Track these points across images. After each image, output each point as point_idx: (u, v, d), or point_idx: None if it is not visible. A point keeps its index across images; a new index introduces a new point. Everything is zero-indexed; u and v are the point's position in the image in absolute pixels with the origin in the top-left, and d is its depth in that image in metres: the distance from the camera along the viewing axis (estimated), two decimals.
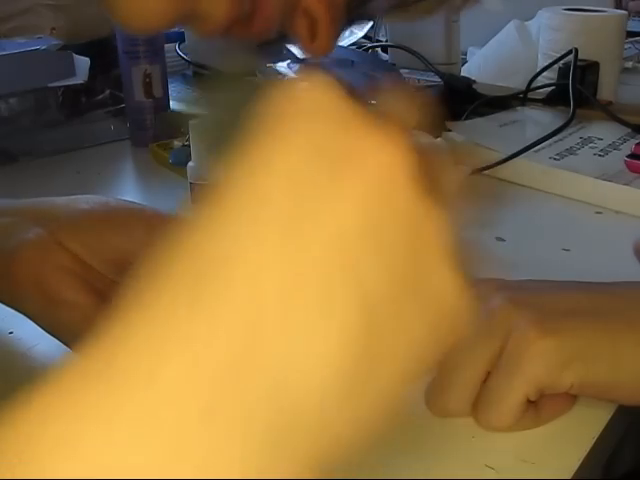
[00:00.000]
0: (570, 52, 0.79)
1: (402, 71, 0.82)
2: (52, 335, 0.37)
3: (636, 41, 1.11)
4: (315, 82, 0.20)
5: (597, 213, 0.60)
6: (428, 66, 0.88)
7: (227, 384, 0.16)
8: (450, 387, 0.35)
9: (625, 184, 0.60)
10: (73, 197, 0.41)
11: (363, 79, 0.74)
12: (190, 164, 0.58)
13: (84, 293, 0.36)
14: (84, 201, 0.40)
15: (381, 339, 0.18)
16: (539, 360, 0.32)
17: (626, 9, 0.98)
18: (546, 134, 0.66)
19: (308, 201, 0.18)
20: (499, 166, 0.65)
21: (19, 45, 0.73)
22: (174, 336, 0.16)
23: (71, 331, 0.36)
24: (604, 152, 0.68)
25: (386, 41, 1.02)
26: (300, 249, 0.17)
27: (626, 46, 0.99)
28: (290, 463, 0.17)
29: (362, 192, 0.18)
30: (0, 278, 0.37)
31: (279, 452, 0.16)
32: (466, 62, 0.99)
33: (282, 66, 0.79)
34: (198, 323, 0.16)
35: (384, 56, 1.03)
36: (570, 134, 0.72)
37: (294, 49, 0.83)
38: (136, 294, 0.17)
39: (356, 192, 0.18)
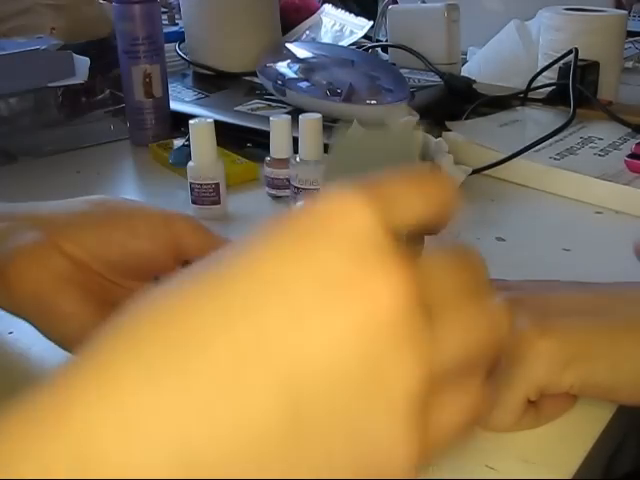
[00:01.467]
0: (570, 52, 0.79)
1: (402, 71, 0.82)
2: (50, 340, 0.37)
3: (636, 41, 1.11)
4: (353, 202, 0.20)
5: (597, 213, 0.60)
6: (428, 66, 0.88)
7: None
8: None
9: (625, 184, 0.60)
10: (70, 200, 0.40)
11: (363, 79, 0.74)
12: (190, 164, 0.58)
13: (82, 303, 0.36)
14: (81, 202, 0.40)
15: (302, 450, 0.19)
16: (539, 360, 0.32)
17: (629, 7, 0.98)
18: (546, 134, 0.66)
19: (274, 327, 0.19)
20: (499, 166, 0.65)
21: (19, 45, 0.73)
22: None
23: (68, 341, 0.36)
24: (604, 152, 0.68)
25: (386, 41, 1.03)
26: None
27: (626, 46, 0.99)
28: None
29: (335, 333, 0.19)
30: None
31: None
32: (466, 62, 0.99)
33: (282, 66, 0.79)
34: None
35: (384, 56, 1.03)
36: (570, 134, 0.72)
37: (294, 49, 0.83)
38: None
39: (331, 330, 0.19)
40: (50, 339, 0.37)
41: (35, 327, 0.37)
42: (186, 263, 0.37)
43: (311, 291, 0.19)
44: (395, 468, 0.20)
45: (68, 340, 0.36)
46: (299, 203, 0.21)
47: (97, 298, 0.36)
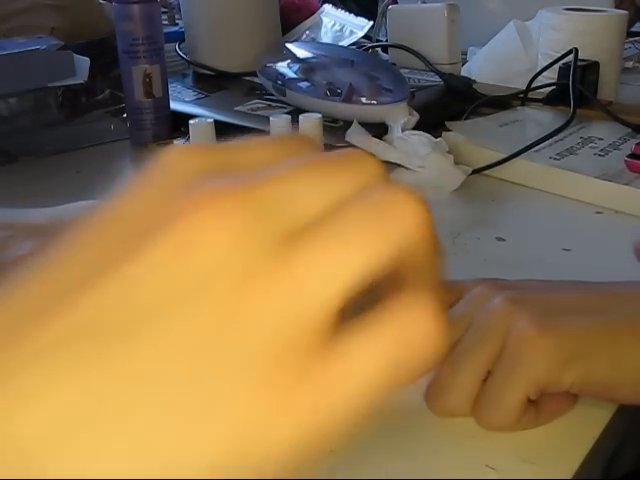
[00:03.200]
0: (570, 52, 0.79)
1: (402, 71, 0.82)
2: None
3: (636, 41, 1.11)
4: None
5: (597, 213, 0.60)
6: (428, 66, 0.88)
7: None
8: (450, 387, 0.35)
9: (625, 184, 0.60)
10: (66, 206, 0.40)
11: (363, 79, 0.74)
12: None
13: None
14: (78, 209, 0.40)
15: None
16: (539, 359, 0.32)
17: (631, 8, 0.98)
18: (546, 134, 0.66)
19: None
20: (499, 166, 0.65)
21: (19, 45, 0.73)
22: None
23: None
24: (604, 152, 0.68)
25: (386, 41, 1.03)
26: None
27: (626, 46, 0.99)
28: None
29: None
30: None
31: None
32: (466, 62, 0.99)
33: (282, 66, 0.79)
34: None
35: (384, 56, 1.03)
36: (570, 134, 0.72)
37: (294, 49, 0.83)
38: None
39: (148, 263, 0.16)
40: None
41: None
42: None
43: (115, 237, 0.16)
44: (278, 418, 0.15)
45: None
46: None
47: None
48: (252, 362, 0.15)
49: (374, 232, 0.16)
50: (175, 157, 0.18)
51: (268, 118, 0.62)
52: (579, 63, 0.79)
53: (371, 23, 1.10)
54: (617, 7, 0.94)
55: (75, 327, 0.15)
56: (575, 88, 0.75)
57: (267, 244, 0.16)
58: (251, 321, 0.15)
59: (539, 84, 0.83)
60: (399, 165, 0.66)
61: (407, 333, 0.16)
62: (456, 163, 0.64)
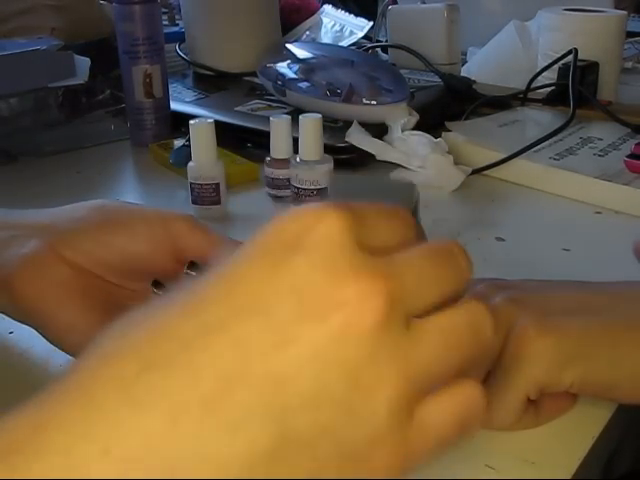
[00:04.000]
0: (570, 52, 0.79)
1: (402, 71, 0.82)
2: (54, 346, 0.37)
3: (636, 41, 1.11)
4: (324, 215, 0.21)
5: (597, 213, 0.60)
6: (428, 66, 0.88)
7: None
8: None
9: (625, 184, 0.60)
10: (69, 206, 0.41)
11: (363, 79, 0.74)
12: (190, 164, 0.58)
13: (84, 311, 0.36)
14: (80, 207, 0.40)
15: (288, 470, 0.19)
16: (539, 359, 0.32)
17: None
18: (546, 134, 0.66)
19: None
20: (499, 166, 0.65)
21: (19, 45, 0.73)
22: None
23: (71, 348, 0.36)
24: (604, 152, 0.68)
25: (386, 41, 1.03)
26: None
27: (626, 46, 0.99)
28: None
29: (314, 346, 0.19)
30: (0, 293, 0.37)
31: None
32: (466, 62, 0.99)
33: (282, 66, 0.79)
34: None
35: (384, 56, 1.03)
36: (570, 134, 0.72)
37: (294, 49, 0.83)
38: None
39: (310, 343, 0.19)
40: (55, 345, 0.37)
41: (40, 334, 0.37)
42: (192, 264, 0.37)
43: (287, 304, 0.20)
44: (381, 472, 0.21)
45: (72, 347, 0.36)
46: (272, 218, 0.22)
47: (99, 302, 0.37)
48: (379, 422, 0.20)
49: (467, 341, 0.23)
50: (328, 226, 0.21)
51: (268, 118, 0.62)
52: (579, 63, 0.79)
53: (371, 23, 1.10)
54: (617, 7, 0.94)
55: (257, 398, 0.19)
56: (575, 88, 0.75)
57: (400, 328, 0.21)
58: (382, 387, 0.20)
59: (539, 84, 0.83)
60: (399, 165, 0.66)
61: (469, 408, 0.23)
62: (456, 163, 0.64)
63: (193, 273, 0.37)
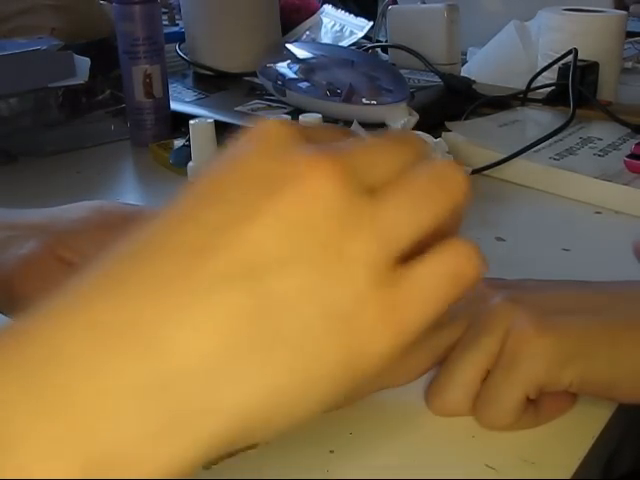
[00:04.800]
0: (570, 52, 0.79)
1: (402, 71, 0.82)
2: None
3: (636, 41, 1.11)
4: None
5: (597, 213, 0.60)
6: (428, 66, 0.88)
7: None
8: (450, 386, 0.35)
9: (625, 184, 0.60)
10: (67, 206, 0.41)
11: (363, 79, 0.74)
12: (190, 164, 0.58)
13: None
14: (78, 208, 0.40)
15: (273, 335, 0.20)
16: (538, 358, 0.32)
17: (627, 8, 0.98)
18: (546, 134, 0.66)
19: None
20: (499, 166, 0.65)
21: (19, 45, 0.73)
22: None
23: None
24: (604, 152, 0.68)
25: (386, 41, 1.03)
26: None
27: (626, 46, 0.99)
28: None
29: (279, 213, 0.20)
30: None
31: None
32: (466, 62, 0.99)
33: (282, 66, 0.79)
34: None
35: (384, 56, 1.03)
36: (570, 134, 0.72)
37: (294, 49, 0.83)
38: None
39: (274, 212, 0.20)
40: None
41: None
42: None
43: (244, 188, 0.21)
44: (376, 332, 0.21)
45: None
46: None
47: None
48: (357, 287, 0.20)
49: (438, 193, 0.22)
50: (272, 128, 0.22)
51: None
52: (579, 63, 0.79)
53: (371, 23, 1.10)
54: (617, 7, 0.94)
55: (233, 267, 0.19)
56: (575, 88, 0.75)
57: (362, 195, 0.21)
58: (355, 253, 0.20)
59: (539, 84, 0.83)
60: None
61: (461, 260, 0.22)
62: None
63: None
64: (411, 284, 0.21)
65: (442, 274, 0.22)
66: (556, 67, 0.82)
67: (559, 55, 0.82)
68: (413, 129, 0.68)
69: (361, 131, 0.66)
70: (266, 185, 0.21)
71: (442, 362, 0.35)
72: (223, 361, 0.19)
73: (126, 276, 0.20)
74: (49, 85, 0.73)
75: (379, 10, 1.13)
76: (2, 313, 0.39)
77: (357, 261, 0.20)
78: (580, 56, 0.79)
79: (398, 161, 0.23)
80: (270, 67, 0.80)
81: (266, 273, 0.19)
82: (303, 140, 0.22)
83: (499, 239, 0.55)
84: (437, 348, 0.36)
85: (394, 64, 0.93)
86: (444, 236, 0.23)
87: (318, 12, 1.11)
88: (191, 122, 0.58)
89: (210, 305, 0.19)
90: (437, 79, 0.85)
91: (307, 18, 1.08)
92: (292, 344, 0.19)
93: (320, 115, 0.58)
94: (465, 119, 0.76)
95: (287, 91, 0.76)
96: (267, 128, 0.22)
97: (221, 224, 0.20)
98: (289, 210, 0.20)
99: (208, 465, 0.29)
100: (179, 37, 0.94)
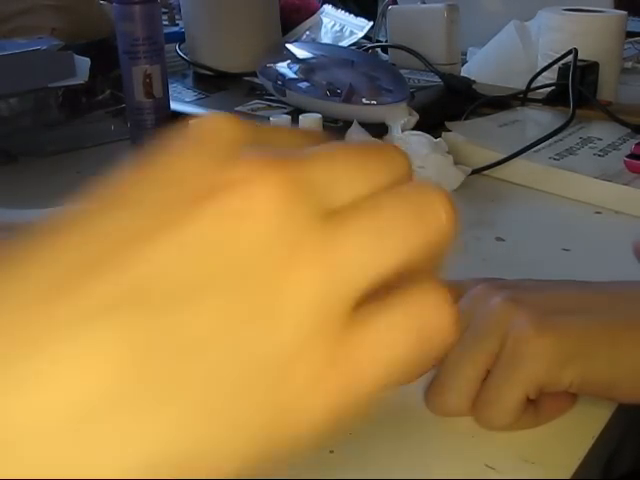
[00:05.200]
0: (570, 52, 0.79)
1: (402, 71, 0.82)
2: None
3: (636, 41, 1.11)
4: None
5: (597, 213, 0.60)
6: (428, 66, 0.88)
7: None
8: (450, 386, 0.35)
9: (625, 184, 0.60)
10: (65, 207, 0.41)
11: (363, 79, 0.74)
12: None
13: None
14: (77, 210, 0.40)
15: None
16: (538, 358, 0.32)
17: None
18: (546, 134, 0.66)
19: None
20: (499, 166, 0.65)
21: (19, 45, 0.73)
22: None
23: None
24: (604, 152, 0.68)
25: (386, 41, 1.03)
26: None
27: (626, 46, 0.99)
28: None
29: (196, 229, 0.16)
30: None
31: None
32: (466, 62, 0.99)
33: (282, 66, 0.79)
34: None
35: (384, 56, 1.03)
36: (570, 134, 0.72)
37: (294, 49, 0.83)
38: None
39: (191, 226, 0.16)
40: None
41: None
42: None
43: (165, 191, 0.16)
44: (312, 397, 0.16)
45: None
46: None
47: None
48: (292, 335, 0.16)
49: (410, 228, 0.18)
50: (211, 125, 0.18)
51: (268, 118, 0.62)
52: (579, 63, 0.79)
53: (371, 23, 1.10)
54: (617, 7, 0.94)
55: (122, 291, 0.15)
56: (575, 88, 0.75)
57: (313, 219, 0.16)
58: (294, 293, 0.16)
59: (539, 84, 0.83)
60: None
61: (428, 316, 0.18)
62: (456, 163, 0.64)
63: None
64: (362, 337, 0.17)
65: (404, 331, 0.17)
66: (556, 67, 0.82)
67: (559, 55, 0.82)
68: (413, 129, 0.68)
69: (361, 131, 0.66)
70: (189, 193, 0.16)
71: (442, 362, 0.35)
72: (98, 404, 0.14)
73: None
74: (49, 85, 0.73)
75: (379, 10, 1.13)
76: None
77: (296, 301, 0.16)
78: (580, 56, 0.79)
79: (368, 180, 0.18)
80: (270, 67, 0.80)
81: (169, 302, 0.15)
82: (250, 142, 0.18)
83: (499, 239, 0.55)
84: None
85: (394, 64, 0.93)
86: (417, 274, 0.18)
87: (318, 12, 1.11)
88: (191, 122, 0.58)
89: (90, 338, 0.14)
90: (437, 79, 0.85)
91: (307, 18, 1.08)
92: (194, 393, 0.15)
93: (320, 115, 0.58)
94: (465, 119, 0.76)
95: (287, 91, 0.76)
96: (207, 124, 0.18)
97: (121, 237, 0.15)
98: (212, 226, 0.15)
99: None
100: (179, 37, 0.94)
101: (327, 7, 1.13)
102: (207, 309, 0.15)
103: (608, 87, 0.84)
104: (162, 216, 0.16)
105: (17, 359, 0.14)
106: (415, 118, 0.69)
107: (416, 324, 0.18)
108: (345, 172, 0.18)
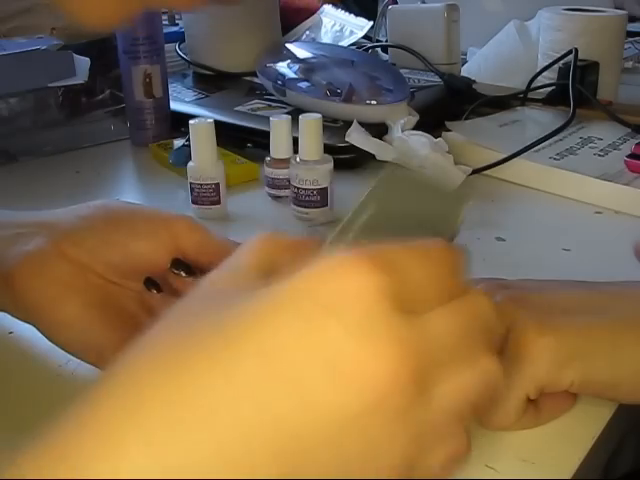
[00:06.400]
0: (570, 52, 0.79)
1: (402, 71, 0.82)
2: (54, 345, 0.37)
3: (636, 41, 1.11)
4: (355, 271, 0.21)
5: (597, 213, 0.60)
6: (428, 66, 0.88)
7: None
8: None
9: (625, 184, 0.60)
10: (73, 206, 0.41)
11: (363, 79, 0.74)
12: (190, 164, 0.58)
13: (84, 309, 0.36)
14: (83, 207, 0.40)
15: None
16: (539, 359, 0.32)
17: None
18: (546, 134, 0.66)
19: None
20: (499, 166, 0.65)
21: (19, 45, 0.73)
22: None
23: (71, 346, 0.37)
24: (604, 152, 0.68)
25: (386, 41, 1.03)
26: None
27: (626, 46, 0.99)
28: None
29: (336, 414, 0.20)
30: (2, 290, 0.37)
31: None
32: (466, 62, 0.99)
33: (282, 66, 0.79)
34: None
35: (384, 56, 1.03)
36: (570, 134, 0.72)
37: (294, 49, 0.83)
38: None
39: (332, 411, 0.20)
40: (55, 344, 0.37)
41: (41, 332, 0.37)
42: (175, 262, 0.38)
43: (319, 374, 0.20)
44: None
45: (71, 345, 0.37)
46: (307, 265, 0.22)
47: (98, 300, 0.37)
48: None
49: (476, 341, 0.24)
50: (361, 286, 0.21)
51: (268, 118, 0.62)
52: (579, 63, 0.79)
53: (371, 23, 1.10)
54: (617, 7, 0.94)
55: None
56: (575, 88, 0.75)
57: (414, 398, 0.22)
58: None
59: (539, 84, 0.83)
60: (399, 165, 0.66)
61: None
62: (456, 163, 0.64)
63: (180, 272, 0.37)
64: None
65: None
66: (556, 67, 0.82)
67: (559, 55, 0.82)
68: (413, 129, 0.68)
69: (361, 131, 0.66)
70: (341, 378, 0.21)
71: None
72: None
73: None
74: (49, 85, 0.73)
75: (379, 10, 1.13)
76: (6, 311, 0.39)
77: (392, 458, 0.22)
78: (580, 56, 0.79)
79: (439, 285, 0.23)
80: (270, 67, 0.80)
81: (301, 462, 0.20)
82: (390, 304, 0.22)
83: (499, 239, 0.55)
84: None
85: (394, 64, 0.93)
86: None
87: (318, 12, 1.11)
88: (191, 122, 0.58)
89: None
90: (437, 79, 0.85)
91: (307, 18, 1.08)
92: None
93: (320, 115, 0.58)
94: (465, 119, 0.76)
95: (287, 91, 0.76)
96: (351, 283, 0.21)
97: (279, 406, 0.20)
98: (352, 416, 0.21)
99: None
100: (179, 37, 0.94)
101: (327, 7, 1.13)
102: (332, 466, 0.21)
103: (608, 87, 0.84)
104: (315, 397, 0.20)
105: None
106: (415, 118, 0.69)
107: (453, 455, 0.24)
108: (425, 278, 0.23)
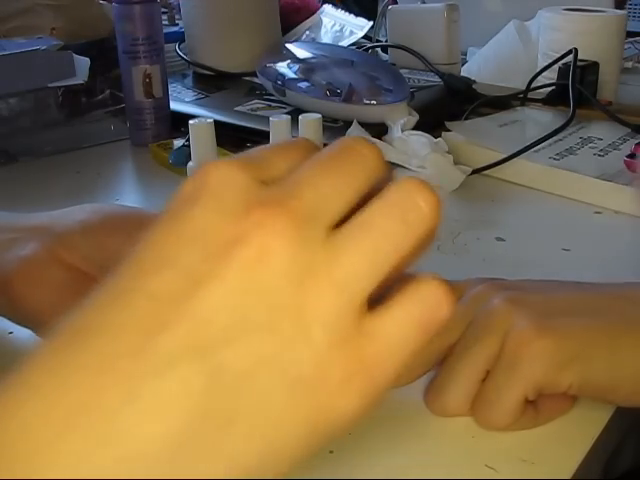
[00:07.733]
0: (570, 52, 0.79)
1: (402, 71, 0.82)
2: None
3: (636, 41, 1.11)
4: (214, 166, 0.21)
5: (597, 213, 0.60)
6: (428, 66, 0.88)
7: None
8: (449, 386, 0.35)
9: (625, 184, 0.60)
10: (68, 209, 0.41)
11: (363, 79, 0.74)
12: (190, 164, 0.58)
13: None
14: (80, 211, 0.40)
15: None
16: (537, 360, 0.32)
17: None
18: (546, 134, 0.66)
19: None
20: (499, 166, 0.65)
21: (19, 45, 0.73)
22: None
23: None
24: (604, 152, 0.68)
25: (386, 41, 1.03)
26: None
27: (626, 46, 0.99)
28: None
29: (226, 281, 0.19)
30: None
31: None
32: (466, 62, 0.99)
33: (282, 66, 0.79)
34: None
35: (384, 56, 1.03)
36: (570, 134, 0.72)
37: (294, 49, 0.83)
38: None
39: (221, 279, 0.19)
40: None
41: (38, 337, 0.37)
42: None
43: (191, 251, 0.20)
44: (348, 395, 0.20)
45: None
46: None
47: None
48: (321, 349, 0.19)
49: (399, 235, 0.21)
50: (218, 174, 0.21)
51: (268, 118, 0.62)
52: (579, 63, 0.79)
53: (371, 23, 1.10)
54: (617, 7, 0.94)
55: (179, 346, 0.18)
56: (575, 88, 0.75)
57: (314, 243, 0.20)
58: (315, 313, 0.19)
59: (539, 84, 0.83)
60: (399, 165, 0.66)
61: (429, 306, 0.21)
62: (456, 163, 0.64)
63: None
64: (377, 339, 0.20)
65: (410, 324, 0.21)
66: (556, 67, 0.82)
67: (559, 55, 0.82)
68: (413, 129, 0.68)
69: (361, 131, 0.66)
70: (211, 247, 0.19)
71: (442, 362, 0.35)
72: (179, 443, 0.18)
73: (73, 357, 0.19)
74: (49, 85, 0.73)
75: (379, 10, 1.13)
76: (1, 314, 0.39)
77: (316, 320, 0.19)
78: (580, 56, 0.79)
79: (351, 187, 0.21)
80: (270, 67, 0.80)
81: (218, 347, 0.19)
82: (251, 182, 0.21)
83: (499, 239, 0.55)
84: (436, 349, 0.36)
85: (394, 64, 0.93)
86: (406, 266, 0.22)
87: (318, 12, 1.11)
88: (191, 122, 0.58)
89: (161, 388, 0.18)
90: (437, 79, 0.85)
91: (307, 18, 1.08)
92: (251, 416, 0.19)
93: (320, 115, 0.58)
94: (465, 119, 0.76)
95: (287, 91, 0.76)
96: (210, 175, 0.21)
97: (168, 296, 0.19)
98: (237, 276, 0.19)
99: None
100: (179, 37, 0.94)
101: (327, 7, 1.13)
102: (250, 344, 0.19)
103: (608, 87, 0.84)
104: (196, 276, 0.19)
105: (119, 400, 0.18)
106: (415, 118, 0.69)
107: (420, 316, 0.21)
108: (330, 187, 0.21)
